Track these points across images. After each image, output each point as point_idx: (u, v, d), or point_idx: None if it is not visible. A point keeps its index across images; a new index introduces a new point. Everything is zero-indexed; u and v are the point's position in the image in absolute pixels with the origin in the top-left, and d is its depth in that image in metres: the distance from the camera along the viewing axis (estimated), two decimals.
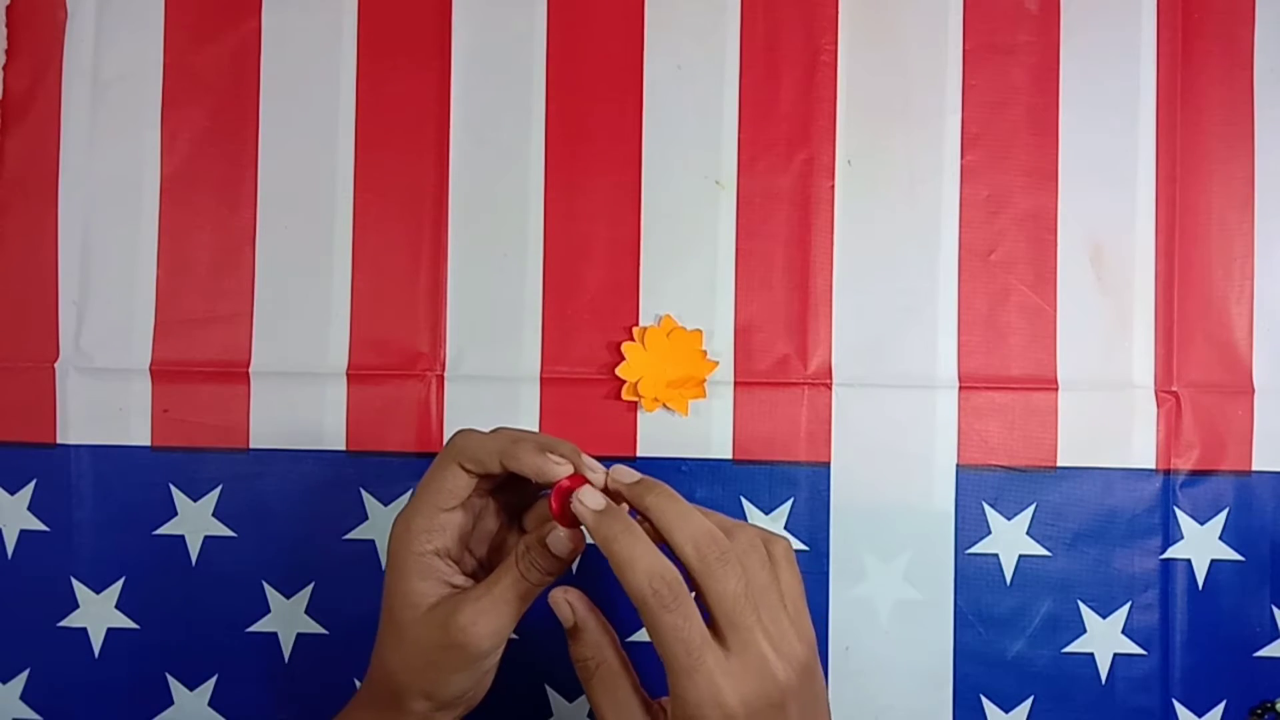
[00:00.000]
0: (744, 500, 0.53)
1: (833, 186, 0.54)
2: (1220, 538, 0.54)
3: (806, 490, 0.53)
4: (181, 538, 0.53)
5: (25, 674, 0.53)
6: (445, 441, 0.44)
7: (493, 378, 0.53)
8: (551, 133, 0.54)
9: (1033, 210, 0.54)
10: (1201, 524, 0.54)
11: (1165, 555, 0.53)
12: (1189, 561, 0.54)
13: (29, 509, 0.53)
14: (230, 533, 0.53)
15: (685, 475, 0.53)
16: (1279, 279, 0.54)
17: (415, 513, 0.42)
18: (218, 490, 0.53)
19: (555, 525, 0.41)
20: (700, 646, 0.38)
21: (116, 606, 0.53)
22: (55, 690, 0.53)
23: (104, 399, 0.53)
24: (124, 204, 0.54)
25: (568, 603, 0.42)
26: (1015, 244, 0.54)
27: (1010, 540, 0.53)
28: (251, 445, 0.53)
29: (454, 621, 0.40)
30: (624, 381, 0.53)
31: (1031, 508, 0.53)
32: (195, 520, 0.53)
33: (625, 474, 0.42)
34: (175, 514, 0.53)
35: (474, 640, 0.40)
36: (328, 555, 0.53)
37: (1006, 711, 0.53)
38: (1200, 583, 0.53)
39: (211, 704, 0.53)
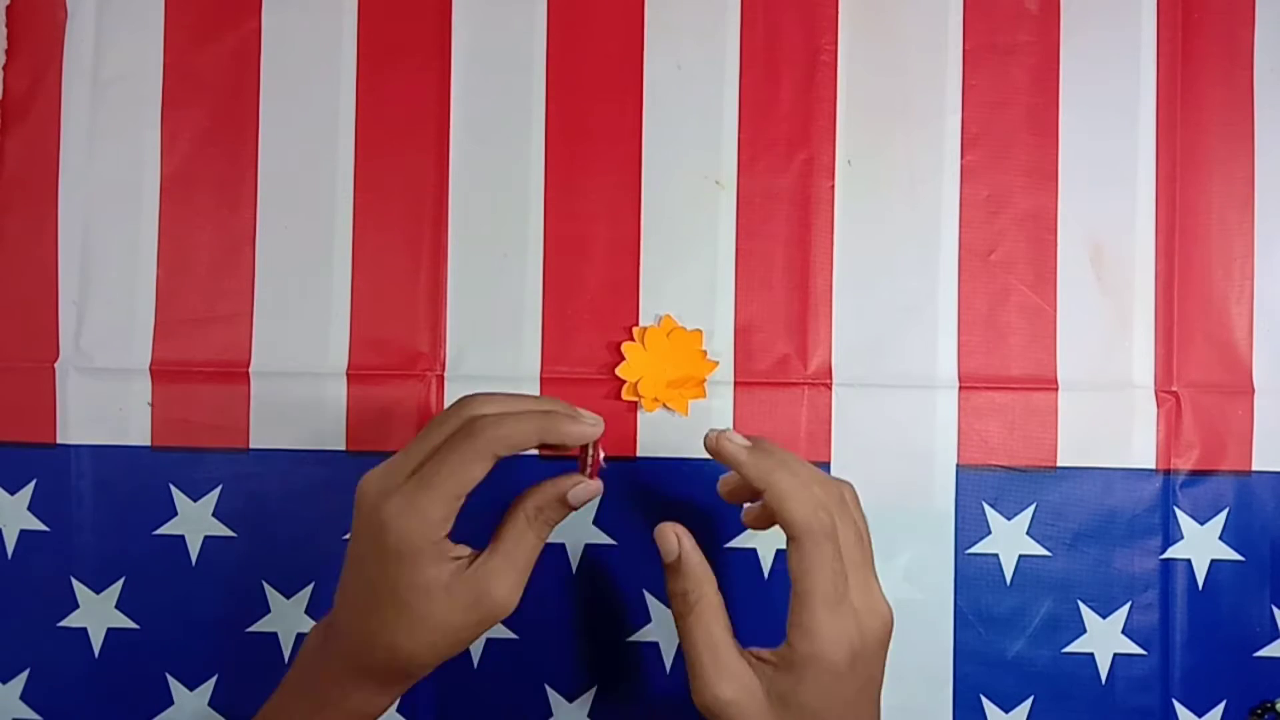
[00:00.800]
0: None
1: (833, 186, 0.54)
2: (1220, 538, 0.54)
3: None
4: (181, 538, 0.53)
5: (25, 674, 0.53)
6: (455, 411, 0.41)
7: (493, 378, 0.53)
8: (551, 133, 0.54)
9: (1033, 210, 0.54)
10: (1201, 524, 0.54)
11: (1165, 555, 0.53)
12: (1189, 561, 0.54)
13: (29, 509, 0.53)
14: (230, 533, 0.53)
15: (685, 475, 0.53)
16: (1279, 279, 0.54)
17: (433, 502, 0.39)
18: (218, 490, 0.53)
19: (580, 481, 0.42)
20: (848, 581, 0.39)
21: (116, 606, 0.53)
22: (55, 690, 0.53)
23: (104, 399, 0.54)
24: (124, 204, 0.54)
25: (675, 536, 0.42)
26: (1015, 244, 0.54)
27: (1010, 540, 0.53)
28: (251, 445, 0.53)
29: (489, 599, 0.40)
30: (624, 381, 0.53)
31: (1031, 508, 0.53)
32: (195, 520, 0.53)
33: (737, 438, 0.42)
34: (175, 514, 0.53)
35: (506, 609, 0.41)
36: (328, 555, 0.53)
37: (1006, 711, 0.53)
38: (1200, 583, 0.53)
39: (211, 704, 0.53)
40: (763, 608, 0.53)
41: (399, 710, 0.53)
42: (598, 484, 0.42)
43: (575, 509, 0.42)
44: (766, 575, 0.54)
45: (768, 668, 0.41)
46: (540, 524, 0.42)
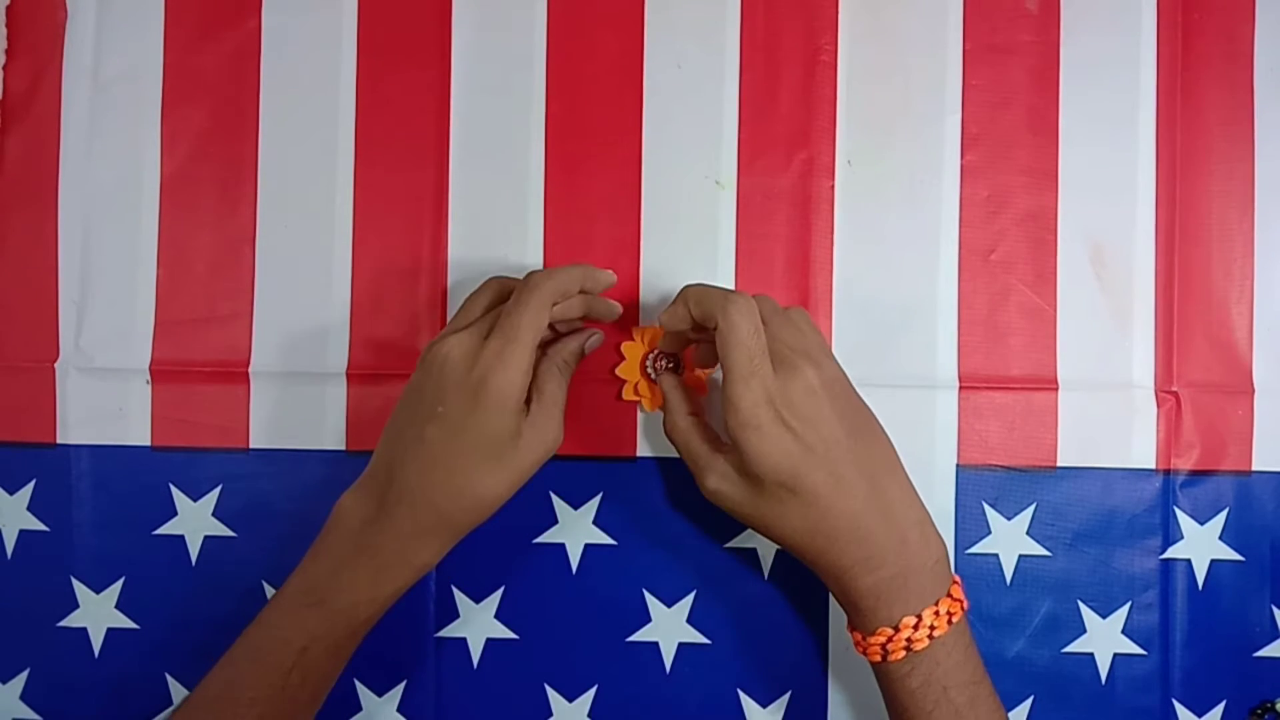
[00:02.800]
0: None
1: (833, 186, 0.54)
2: (1220, 538, 0.54)
3: None
4: (181, 538, 0.53)
5: (25, 674, 0.53)
6: (498, 281, 0.50)
7: None
8: (551, 132, 0.54)
9: (1033, 210, 0.54)
10: (1201, 524, 0.54)
11: (1165, 555, 0.53)
12: (1189, 561, 0.54)
13: (29, 509, 0.53)
14: (230, 533, 0.53)
15: (685, 475, 0.53)
16: (1279, 279, 0.54)
17: (520, 354, 0.45)
18: (217, 490, 0.53)
19: (595, 334, 0.51)
20: (762, 356, 0.44)
21: (116, 606, 0.53)
22: (55, 690, 0.53)
23: (104, 399, 0.54)
24: (124, 204, 0.54)
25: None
26: (1015, 244, 0.54)
27: (1010, 540, 0.53)
28: (251, 445, 0.54)
29: (549, 438, 0.46)
30: (624, 381, 0.53)
31: (1031, 508, 0.53)
32: (195, 520, 0.53)
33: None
34: (175, 514, 0.53)
35: (559, 442, 0.47)
36: None
37: (1007, 711, 0.53)
38: (1200, 583, 0.53)
39: None
40: (764, 606, 0.54)
41: (400, 711, 0.53)
42: (601, 335, 0.52)
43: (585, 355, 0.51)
44: (766, 575, 0.54)
45: (731, 453, 0.46)
46: (567, 372, 0.49)
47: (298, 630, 0.45)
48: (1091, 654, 0.53)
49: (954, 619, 0.45)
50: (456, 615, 0.53)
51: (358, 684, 0.53)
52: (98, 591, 0.53)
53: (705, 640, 0.54)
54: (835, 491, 0.44)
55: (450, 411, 0.45)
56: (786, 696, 0.54)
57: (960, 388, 0.54)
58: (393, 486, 0.45)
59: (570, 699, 0.53)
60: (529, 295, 0.45)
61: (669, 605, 0.54)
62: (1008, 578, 0.53)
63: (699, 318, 0.47)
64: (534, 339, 0.45)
